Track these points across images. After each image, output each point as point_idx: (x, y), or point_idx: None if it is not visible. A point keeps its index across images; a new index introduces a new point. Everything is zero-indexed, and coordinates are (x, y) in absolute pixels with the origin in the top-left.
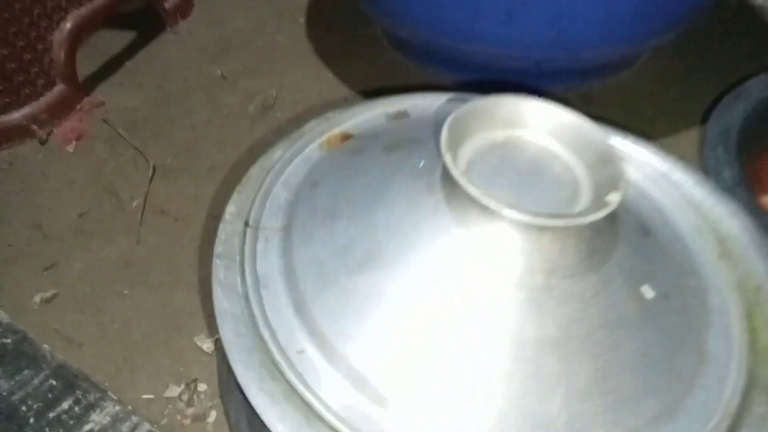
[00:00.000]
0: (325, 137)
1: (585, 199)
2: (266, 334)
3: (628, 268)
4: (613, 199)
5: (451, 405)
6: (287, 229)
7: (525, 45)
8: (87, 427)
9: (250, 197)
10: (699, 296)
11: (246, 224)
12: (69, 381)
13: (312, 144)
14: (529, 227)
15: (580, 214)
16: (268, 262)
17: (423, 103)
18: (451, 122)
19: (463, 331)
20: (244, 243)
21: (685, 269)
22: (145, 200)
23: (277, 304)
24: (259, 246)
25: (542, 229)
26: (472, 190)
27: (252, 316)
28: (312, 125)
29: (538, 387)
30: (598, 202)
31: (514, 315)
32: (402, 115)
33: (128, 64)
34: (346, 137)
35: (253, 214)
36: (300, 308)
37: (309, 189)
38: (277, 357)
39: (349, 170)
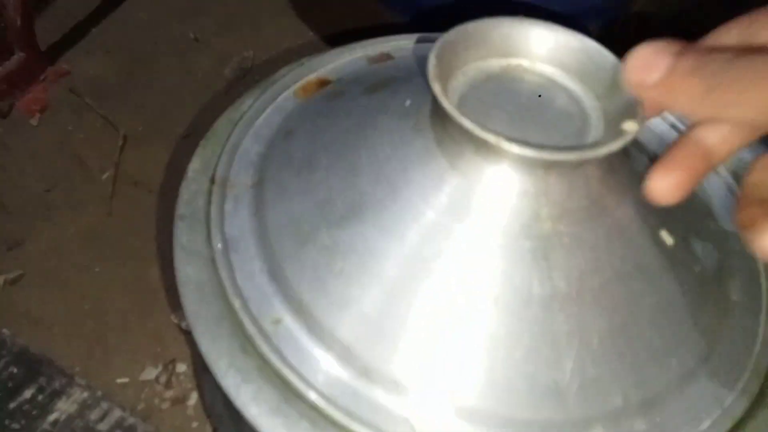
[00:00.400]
0: (300, 84)
1: (595, 132)
2: (237, 303)
3: (644, 211)
4: (631, 128)
5: (450, 374)
6: (259, 186)
7: None
8: (52, 416)
9: (216, 152)
10: (720, 240)
11: (212, 181)
12: (32, 367)
13: (285, 92)
14: (532, 165)
15: (592, 146)
16: (238, 222)
17: (408, 45)
18: (440, 48)
19: (461, 289)
20: (209, 202)
21: (703, 211)
22: (116, 171)
23: (249, 270)
24: (228, 205)
25: (548, 166)
26: (466, 123)
27: (220, 284)
28: (285, 71)
29: (547, 349)
30: (612, 134)
31: (518, 268)
32: (385, 57)
33: (95, 29)
34: (323, 83)
35: (220, 170)
36: (275, 273)
37: (282, 140)
38: (250, 328)
39: (327, 116)
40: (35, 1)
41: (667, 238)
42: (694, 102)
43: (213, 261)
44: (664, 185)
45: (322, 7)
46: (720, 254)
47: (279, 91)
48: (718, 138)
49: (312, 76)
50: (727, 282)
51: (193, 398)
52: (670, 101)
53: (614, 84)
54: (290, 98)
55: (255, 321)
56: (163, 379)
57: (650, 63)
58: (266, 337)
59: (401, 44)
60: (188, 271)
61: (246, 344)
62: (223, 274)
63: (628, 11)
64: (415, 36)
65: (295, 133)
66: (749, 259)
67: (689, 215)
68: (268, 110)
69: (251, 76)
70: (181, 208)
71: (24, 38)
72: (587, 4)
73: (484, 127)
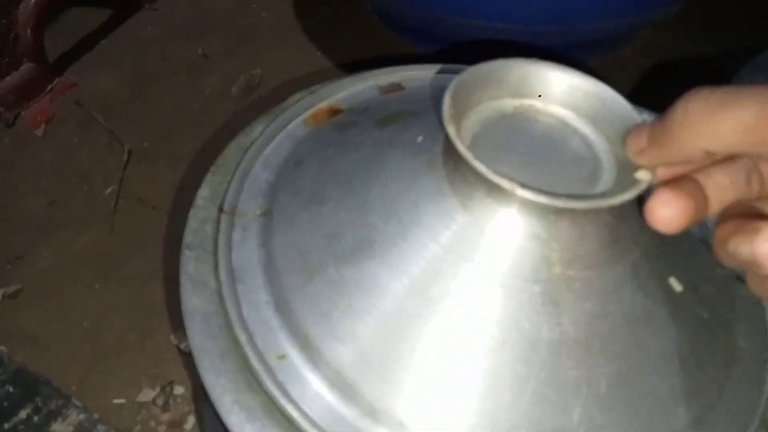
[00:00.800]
0: (310, 112)
1: (607, 178)
2: (242, 337)
3: (654, 257)
4: (644, 177)
5: (455, 417)
6: (267, 215)
7: (522, 18)
8: None
9: (225, 179)
10: (727, 286)
11: (220, 210)
12: (28, 387)
13: (296, 120)
14: (544, 210)
15: (606, 195)
16: (246, 252)
17: (419, 76)
18: (454, 89)
19: (469, 331)
20: (218, 231)
21: (711, 257)
22: (120, 187)
23: (256, 302)
24: (236, 235)
25: (560, 212)
26: (480, 167)
27: (226, 316)
28: (296, 99)
29: (555, 395)
30: (625, 180)
31: (526, 312)
32: (396, 87)
33: (103, 42)
34: (334, 112)
35: (228, 198)
36: (281, 306)
37: (292, 169)
38: (255, 363)
39: (337, 147)
40: (45, 13)
41: (676, 284)
42: (662, 156)
43: (219, 292)
44: (669, 212)
45: (333, 31)
46: (727, 300)
47: (289, 119)
48: (716, 184)
49: (323, 105)
50: (735, 328)
51: (190, 422)
52: (653, 161)
53: (627, 130)
54: (300, 126)
55: (260, 356)
56: (160, 401)
57: (637, 137)
58: (271, 373)
59: (412, 75)
60: (194, 302)
61: (251, 380)
62: (229, 306)
63: (630, 45)
64: (424, 66)
65: (305, 163)
66: (756, 305)
67: (697, 261)
68: (278, 138)
69: (258, 95)
70: (189, 236)
71: (33, 49)
72: (589, 38)
73: (497, 171)
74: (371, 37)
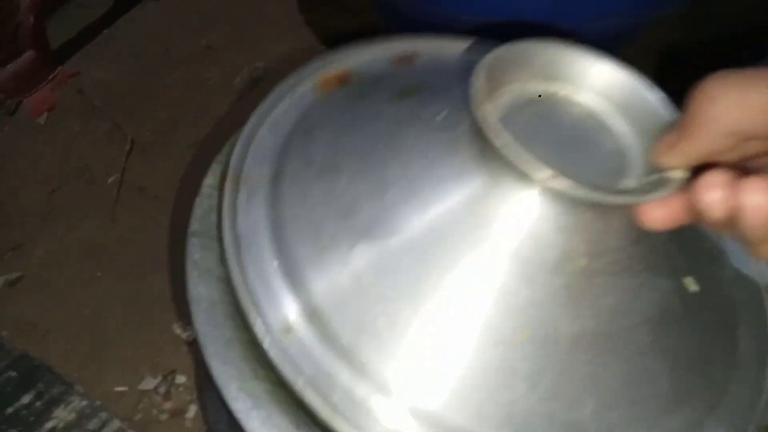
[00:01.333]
0: (319, 78)
1: (635, 172)
2: (247, 301)
3: (673, 257)
4: (678, 176)
5: (468, 403)
6: (275, 180)
7: (522, 16)
8: (49, 424)
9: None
10: (732, 290)
11: (224, 174)
12: (30, 373)
13: (303, 85)
14: (573, 202)
15: (641, 191)
16: (252, 218)
17: (432, 48)
18: (487, 68)
19: (487, 319)
20: (222, 198)
21: (719, 260)
22: (122, 177)
23: (262, 268)
24: (241, 200)
25: (589, 205)
26: (514, 155)
27: (232, 298)
28: (305, 66)
29: (569, 389)
30: (654, 176)
31: (548, 304)
32: (408, 59)
33: (106, 32)
34: (343, 79)
35: (233, 161)
36: (290, 275)
37: (302, 135)
38: (261, 335)
39: (351, 117)
40: (48, 2)
41: (692, 284)
42: (692, 145)
43: (223, 258)
44: (658, 214)
45: (335, 24)
46: (731, 304)
47: (297, 83)
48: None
49: (332, 70)
50: (737, 332)
51: (192, 411)
52: (685, 155)
53: (659, 125)
54: (308, 93)
55: (267, 327)
56: (162, 389)
57: (667, 137)
58: (277, 344)
59: (425, 46)
60: (200, 290)
61: (256, 368)
62: (235, 274)
63: (646, 35)
64: (437, 39)
65: (316, 131)
66: (759, 309)
67: (709, 263)
68: (285, 102)
69: (261, 87)
70: (195, 224)
71: (35, 38)
72: (592, 37)
73: (533, 161)
74: (375, 31)
